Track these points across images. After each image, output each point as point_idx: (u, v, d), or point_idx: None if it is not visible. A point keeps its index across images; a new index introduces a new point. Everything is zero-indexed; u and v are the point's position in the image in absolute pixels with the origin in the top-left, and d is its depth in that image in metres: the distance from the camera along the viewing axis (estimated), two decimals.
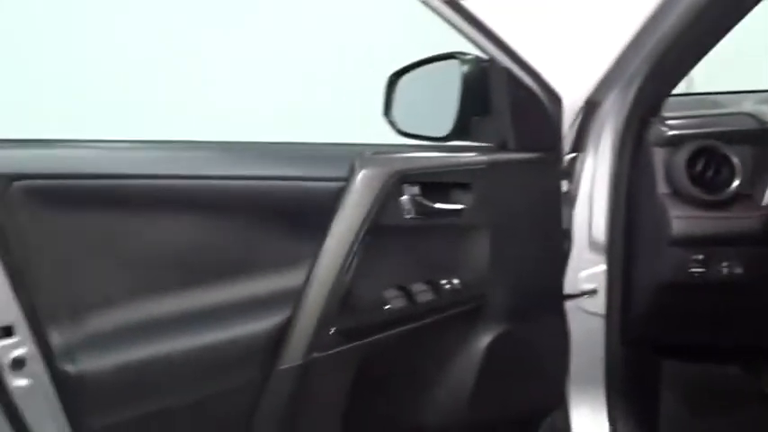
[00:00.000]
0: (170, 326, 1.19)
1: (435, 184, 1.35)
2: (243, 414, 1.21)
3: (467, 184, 1.37)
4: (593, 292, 1.61)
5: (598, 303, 1.61)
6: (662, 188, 1.45)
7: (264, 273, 1.26)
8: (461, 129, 1.53)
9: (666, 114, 1.53)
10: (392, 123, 1.63)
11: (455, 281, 1.37)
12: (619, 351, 1.61)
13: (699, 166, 1.42)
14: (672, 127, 1.47)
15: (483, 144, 1.47)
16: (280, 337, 1.22)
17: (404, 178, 1.31)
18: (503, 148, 1.42)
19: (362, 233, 1.27)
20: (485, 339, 1.43)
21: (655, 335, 1.58)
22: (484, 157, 1.39)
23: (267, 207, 1.26)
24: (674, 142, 1.44)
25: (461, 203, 1.37)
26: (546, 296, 1.51)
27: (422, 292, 1.34)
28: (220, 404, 1.21)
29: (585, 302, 1.61)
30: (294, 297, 1.24)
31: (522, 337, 1.47)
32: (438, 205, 1.35)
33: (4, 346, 1.07)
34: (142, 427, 1.17)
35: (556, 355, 1.54)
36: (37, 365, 1.09)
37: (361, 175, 1.27)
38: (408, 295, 1.33)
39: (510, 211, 1.42)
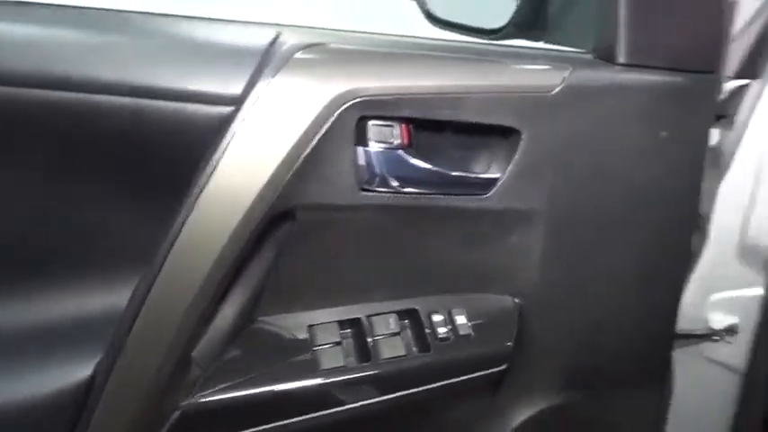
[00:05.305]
0: None
1: (440, 125, 0.61)
2: None
3: (511, 131, 0.62)
4: (729, 332, 0.85)
5: (735, 351, 0.84)
6: None
7: (65, 274, 0.59)
8: (528, 18, 0.78)
9: None
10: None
11: (461, 318, 0.65)
12: None
13: None
14: None
15: (565, 49, 0.72)
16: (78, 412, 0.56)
17: (368, 109, 0.57)
18: (605, 58, 0.66)
19: (265, 215, 0.57)
20: (515, 420, 0.72)
21: None
22: (555, 78, 0.63)
23: (83, 145, 0.57)
24: None
25: (495, 169, 0.63)
26: (640, 342, 0.77)
27: (389, 339, 0.63)
28: None
29: (712, 347, 0.85)
30: (117, 327, 0.57)
31: (587, 416, 0.75)
32: (440, 169, 0.61)
33: None
34: None
35: None
36: None
37: (270, 96, 0.55)
38: (361, 341, 0.63)
39: (602, 184, 0.67)
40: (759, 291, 0.84)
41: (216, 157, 0.54)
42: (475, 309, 0.65)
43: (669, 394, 0.85)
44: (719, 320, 0.86)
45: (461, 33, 0.84)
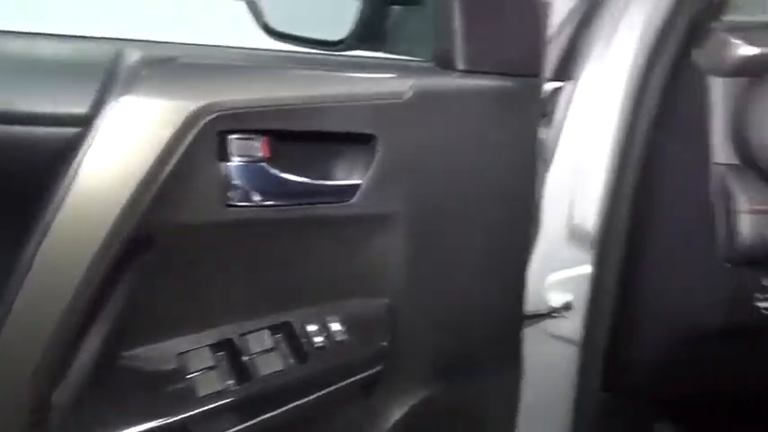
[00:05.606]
0: None
1: (299, 135, 0.61)
2: None
3: (368, 137, 0.64)
4: (566, 308, 0.94)
5: (572, 325, 0.94)
6: (721, 154, 0.76)
7: None
8: (368, 30, 0.80)
9: (736, 18, 0.82)
10: (256, 13, 0.87)
11: (335, 325, 0.66)
12: (596, 399, 0.95)
13: None
14: (749, 40, 0.76)
15: (406, 59, 0.76)
16: None
17: (228, 123, 0.56)
18: (444, 66, 0.70)
19: (125, 241, 0.53)
20: (389, 419, 0.73)
21: (657, 385, 0.93)
22: (404, 85, 0.65)
23: None
24: (755, 70, 0.74)
25: (356, 175, 0.64)
26: (496, 327, 0.83)
27: (265, 355, 0.62)
28: None
29: (553, 324, 0.94)
30: None
31: (454, 405, 0.79)
32: (304, 179, 0.61)
33: None
34: None
35: (508, 419, 0.87)
36: None
37: (122, 114, 0.52)
38: (237, 362, 0.61)
39: (451, 184, 0.72)
40: (588, 269, 0.93)
41: (66, 182, 0.50)
42: (348, 314, 0.66)
43: (521, 373, 0.92)
44: (557, 299, 0.94)
45: (301, 46, 0.84)
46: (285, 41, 0.84)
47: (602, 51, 0.88)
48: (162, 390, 0.58)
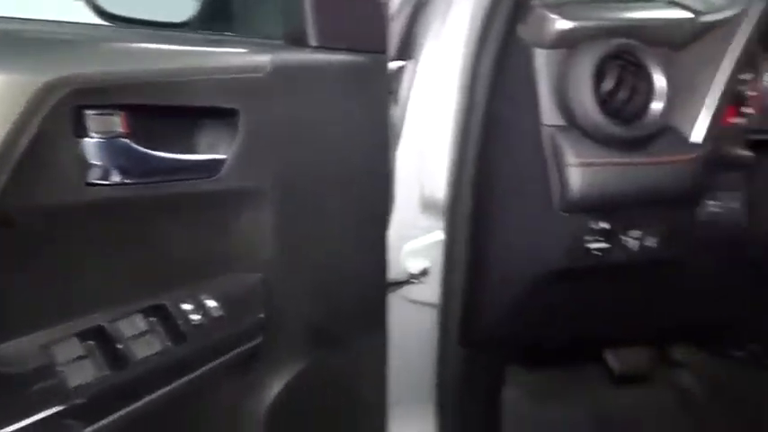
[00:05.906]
0: None
1: (160, 110, 0.60)
2: None
3: (230, 112, 0.64)
4: (423, 274, 1.00)
5: (430, 289, 1.00)
6: (549, 117, 0.84)
7: None
8: (216, 9, 0.80)
9: None
10: None
11: (211, 302, 0.65)
12: (456, 355, 1.03)
13: (609, 83, 0.83)
14: (564, 14, 0.85)
15: (255, 38, 0.76)
16: None
17: (84, 98, 0.53)
18: (296, 44, 0.72)
19: None
20: (269, 393, 0.74)
21: (509, 334, 1.02)
22: (264, 59, 0.66)
23: None
24: (571, 41, 0.84)
25: (219, 150, 0.64)
26: (363, 295, 0.86)
27: (140, 339, 0.59)
28: None
29: (412, 290, 1.00)
30: None
31: (328, 373, 0.81)
32: (167, 155, 0.60)
33: None
34: None
35: (378, 383, 0.91)
36: None
37: None
38: (110, 349, 0.58)
39: (313, 157, 0.73)
40: (441, 235, 0.99)
41: None
42: (223, 290, 0.66)
43: (387, 338, 0.96)
44: (415, 266, 1.00)
45: (140, 28, 0.81)
46: (121, 24, 0.81)
47: (439, 30, 0.94)
48: (27, 387, 0.53)
